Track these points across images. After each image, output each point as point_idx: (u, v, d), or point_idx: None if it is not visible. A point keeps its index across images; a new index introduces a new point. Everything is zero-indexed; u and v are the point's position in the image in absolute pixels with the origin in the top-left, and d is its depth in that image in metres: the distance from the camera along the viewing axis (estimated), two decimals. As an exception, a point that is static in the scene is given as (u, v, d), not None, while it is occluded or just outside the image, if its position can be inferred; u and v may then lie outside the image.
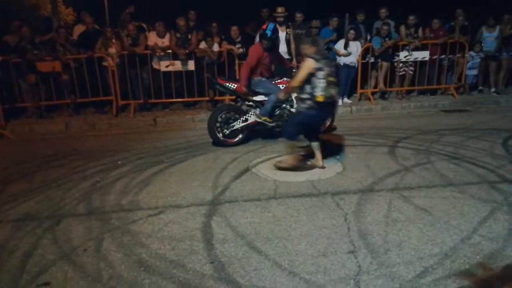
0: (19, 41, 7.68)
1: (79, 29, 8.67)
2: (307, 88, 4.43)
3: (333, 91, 4.42)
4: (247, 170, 4.79)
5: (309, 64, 4.35)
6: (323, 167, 4.74)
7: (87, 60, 7.88)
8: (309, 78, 4.38)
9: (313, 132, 4.85)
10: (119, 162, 5.27)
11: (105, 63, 7.95)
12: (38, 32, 8.71)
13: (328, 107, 4.57)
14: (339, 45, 8.32)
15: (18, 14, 14.29)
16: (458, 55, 8.80)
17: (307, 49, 4.48)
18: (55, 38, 8.09)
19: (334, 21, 8.61)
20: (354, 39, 8.30)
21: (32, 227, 3.51)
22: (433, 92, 9.19)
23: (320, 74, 4.32)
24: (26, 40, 7.69)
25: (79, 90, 8.03)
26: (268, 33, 5.84)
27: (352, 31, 8.26)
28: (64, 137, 7.03)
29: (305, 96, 4.48)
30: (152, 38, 8.10)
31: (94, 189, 4.35)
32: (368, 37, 8.88)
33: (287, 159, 4.71)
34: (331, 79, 4.39)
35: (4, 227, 3.54)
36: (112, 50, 7.97)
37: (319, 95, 4.34)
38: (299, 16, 8.42)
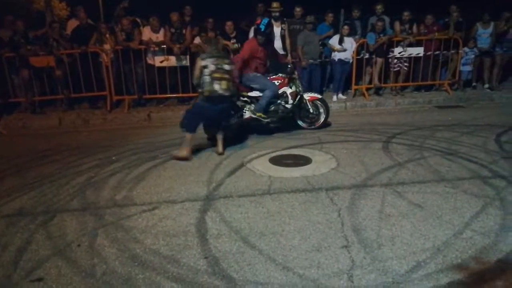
0: (13, 35, 7.60)
1: (72, 23, 8.59)
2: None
3: (217, 86, 4.91)
4: (241, 165, 4.79)
5: (197, 62, 5.02)
6: (221, 154, 5.20)
7: (81, 55, 7.82)
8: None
9: (213, 124, 5.30)
10: (113, 158, 5.26)
11: (100, 59, 7.89)
12: (32, 26, 8.63)
13: (215, 100, 5.00)
14: (334, 41, 8.30)
15: (11, 8, 14.13)
16: (452, 51, 8.83)
17: (205, 48, 5.25)
18: (48, 33, 8.02)
19: (330, 17, 8.60)
20: (349, 35, 8.29)
21: (25, 223, 3.50)
22: (428, 88, 9.22)
23: (206, 71, 4.89)
24: (19, 34, 7.61)
25: (73, 85, 7.97)
26: (262, 27, 5.84)
27: (346, 27, 8.25)
28: (57, 132, 6.99)
29: (199, 90, 5.08)
30: (147, 33, 8.05)
31: (88, 185, 4.34)
32: (361, 33, 8.87)
33: (182, 150, 5.02)
34: (216, 75, 4.91)
35: (-3, 223, 3.53)
36: (107, 45, 7.92)
37: (204, 89, 4.93)
38: (298, 10, 8.38)
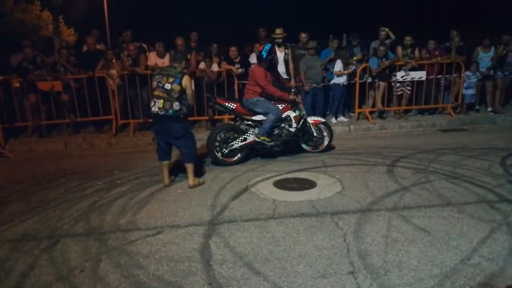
0: (21, 61, 7.77)
1: (85, 48, 8.82)
2: None
3: (152, 104, 4.81)
4: (246, 189, 4.78)
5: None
6: (166, 185, 5.02)
7: (87, 80, 7.96)
8: (183, 96, 4.81)
9: (165, 149, 5.05)
10: (118, 182, 5.27)
11: (106, 84, 8.02)
12: (40, 52, 8.82)
13: (154, 119, 4.95)
14: (338, 66, 8.42)
15: (21, 34, 14.47)
16: (455, 75, 8.91)
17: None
18: (56, 59, 8.19)
19: (334, 43, 8.73)
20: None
21: (29, 248, 3.49)
22: (431, 112, 9.26)
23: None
24: (27, 60, 7.77)
25: (79, 109, 8.08)
26: (264, 54, 5.96)
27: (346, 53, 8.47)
28: (63, 156, 7.04)
29: None
30: (152, 58, 8.20)
31: (92, 209, 4.34)
32: (359, 56, 9.01)
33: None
34: (155, 93, 4.82)
35: (1, 247, 3.52)
36: (113, 70, 8.06)
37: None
38: (304, 36, 8.53)
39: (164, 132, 4.90)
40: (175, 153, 5.34)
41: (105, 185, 5.16)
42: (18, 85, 7.75)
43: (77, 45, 14.31)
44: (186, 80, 4.78)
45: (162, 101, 4.73)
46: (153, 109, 4.81)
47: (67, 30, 22.10)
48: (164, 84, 4.75)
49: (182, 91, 4.76)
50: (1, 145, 7.41)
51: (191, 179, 4.94)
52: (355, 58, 8.70)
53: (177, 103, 4.74)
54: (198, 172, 5.57)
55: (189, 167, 4.94)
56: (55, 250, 3.43)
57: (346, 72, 8.41)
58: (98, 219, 4.05)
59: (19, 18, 20.21)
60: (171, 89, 4.73)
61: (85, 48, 8.79)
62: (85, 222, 4.00)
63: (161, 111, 4.74)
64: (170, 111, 4.73)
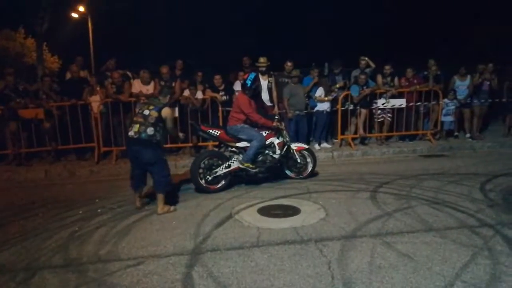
0: (3, 89, 7.69)
1: (69, 75, 8.79)
2: None
3: (130, 129, 4.97)
4: (230, 217, 4.74)
5: None
6: (137, 208, 5.13)
7: (70, 108, 7.90)
8: (160, 124, 4.94)
9: (138, 176, 5.14)
10: (99, 211, 5.16)
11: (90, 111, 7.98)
12: (23, 79, 8.77)
13: (128, 143, 5.13)
14: (319, 93, 8.60)
15: (2, 61, 14.39)
16: (433, 102, 9.18)
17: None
18: (39, 87, 8.14)
19: (315, 72, 8.92)
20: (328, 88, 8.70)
21: (5, 280, 3.36)
22: (412, 138, 9.45)
23: None
24: (9, 88, 7.70)
25: (61, 137, 7.98)
26: (248, 83, 6.06)
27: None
28: (43, 185, 6.88)
29: None
30: (137, 86, 8.22)
31: (71, 239, 4.22)
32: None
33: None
34: (134, 118, 5.03)
35: (-26, 281, 3.38)
36: (96, 97, 8.04)
37: None
38: (289, 64, 8.65)
39: (136, 157, 4.98)
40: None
41: (85, 214, 5.05)
42: None
43: (60, 73, 14.28)
44: (166, 112, 4.93)
45: (138, 125, 4.88)
46: (129, 133, 4.98)
47: (51, 57, 22.05)
48: (143, 111, 4.94)
49: (159, 119, 4.88)
50: (-22, 174, 7.21)
51: (159, 207, 4.98)
52: (337, 85, 8.90)
53: (151, 128, 4.84)
54: (181, 199, 5.53)
55: (159, 195, 4.99)
56: (32, 283, 3.31)
57: (327, 98, 8.58)
58: (78, 250, 3.94)
59: (2, 45, 20.13)
60: (149, 115, 4.88)
61: (68, 75, 8.76)
62: (64, 253, 3.88)
63: (135, 135, 4.86)
64: (143, 135, 4.83)
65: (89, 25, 22.86)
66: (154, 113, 4.87)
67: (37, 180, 7.20)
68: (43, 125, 7.85)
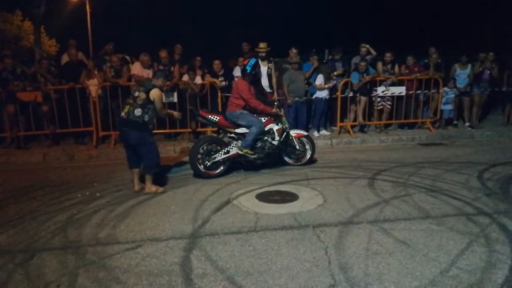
0: (1, 71, 7.63)
1: (65, 58, 8.70)
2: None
3: (122, 110, 5.15)
4: (228, 202, 4.76)
5: None
6: (135, 191, 5.20)
7: (68, 91, 7.85)
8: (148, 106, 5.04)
9: (132, 157, 5.25)
10: (97, 194, 5.17)
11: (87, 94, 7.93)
12: (20, 62, 8.69)
13: (118, 125, 5.34)
14: (319, 80, 8.56)
15: (2, 43, 14.25)
16: (433, 90, 9.15)
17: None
18: (37, 70, 8.08)
19: (314, 58, 8.86)
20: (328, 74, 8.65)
21: (4, 262, 3.37)
22: (411, 126, 9.46)
23: None
24: (7, 70, 7.64)
25: (59, 120, 7.95)
26: (248, 68, 6.02)
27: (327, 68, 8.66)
28: (41, 168, 6.88)
29: None
30: (138, 69, 8.13)
31: (70, 222, 4.24)
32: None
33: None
34: (127, 100, 5.18)
35: (-27, 262, 3.40)
36: (94, 81, 7.98)
37: None
38: (294, 52, 8.50)
39: (124, 138, 5.20)
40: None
41: (84, 197, 5.07)
42: None
43: (58, 56, 14.16)
44: (154, 93, 5.03)
45: (128, 106, 5.05)
46: (121, 114, 5.14)
47: (49, 40, 21.84)
48: (134, 93, 5.12)
49: (148, 100, 5.00)
50: (-24, 157, 7.20)
51: (147, 186, 5.16)
52: (335, 72, 8.85)
53: (139, 109, 4.97)
54: (180, 184, 5.54)
55: (147, 176, 5.15)
56: (30, 265, 3.33)
57: (326, 86, 8.55)
58: (76, 233, 3.96)
59: (-1, 28, 19.92)
60: (137, 96, 5.03)
61: (66, 58, 8.68)
62: (62, 236, 3.90)
63: (125, 116, 5.03)
64: (131, 115, 4.97)
65: (87, 8, 22.60)
66: (142, 95, 5.01)
67: (35, 164, 7.20)
68: (41, 108, 7.82)
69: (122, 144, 5.37)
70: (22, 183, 5.80)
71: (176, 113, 5.79)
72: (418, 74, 8.96)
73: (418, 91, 9.09)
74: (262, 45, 8.15)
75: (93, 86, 7.97)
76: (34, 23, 16.00)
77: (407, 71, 9.08)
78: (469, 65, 9.31)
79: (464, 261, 3.23)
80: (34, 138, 8.21)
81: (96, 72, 8.08)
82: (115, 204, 4.78)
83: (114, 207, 4.66)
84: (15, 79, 7.66)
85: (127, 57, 8.90)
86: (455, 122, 9.65)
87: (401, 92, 8.92)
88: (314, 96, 8.68)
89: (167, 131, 8.35)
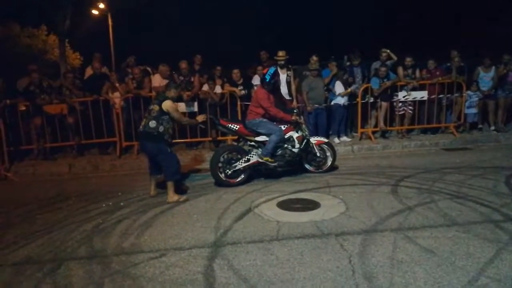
0: (28, 85, 7.89)
1: (89, 71, 8.96)
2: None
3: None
4: (249, 210, 4.77)
5: None
6: (151, 196, 5.49)
7: (92, 103, 8.06)
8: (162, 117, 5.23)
9: (153, 166, 5.52)
10: (122, 204, 5.27)
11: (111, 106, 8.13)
12: (46, 76, 8.98)
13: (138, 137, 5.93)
14: (338, 87, 8.51)
15: (26, 59, 14.73)
16: (456, 94, 8.97)
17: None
18: (62, 83, 8.33)
19: (333, 65, 8.83)
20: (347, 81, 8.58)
21: (32, 271, 3.47)
22: (434, 131, 9.27)
23: None
24: (34, 84, 7.90)
25: (84, 132, 8.16)
26: (267, 77, 6.04)
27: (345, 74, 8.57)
28: (67, 178, 7.07)
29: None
30: (158, 80, 8.30)
31: (96, 232, 4.33)
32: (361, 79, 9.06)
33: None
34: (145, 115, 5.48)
35: (4, 271, 3.50)
36: (117, 93, 8.17)
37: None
38: (315, 59, 8.48)
39: (142, 149, 5.59)
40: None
41: (108, 207, 5.17)
42: (24, 108, 7.86)
43: (82, 69, 14.57)
44: (166, 104, 5.22)
45: (144, 120, 5.35)
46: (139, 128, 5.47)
47: (73, 54, 22.47)
48: (150, 106, 5.39)
49: (161, 112, 5.20)
50: (6, 168, 7.44)
51: (168, 195, 5.25)
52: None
53: (153, 121, 5.19)
54: (202, 192, 5.59)
55: (168, 184, 5.25)
56: (58, 274, 3.41)
57: (348, 91, 8.47)
58: (102, 242, 4.04)
59: (25, 43, 20.61)
60: (152, 109, 5.29)
61: (89, 71, 8.93)
62: (88, 245, 3.98)
63: (141, 129, 5.33)
64: (146, 128, 5.22)
65: (109, 21, 23.18)
66: (156, 107, 5.24)
67: (61, 174, 7.39)
68: (66, 120, 8.04)
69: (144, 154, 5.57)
70: (49, 194, 5.96)
71: (200, 117, 5.89)
72: (440, 78, 8.81)
73: (441, 95, 8.92)
74: (281, 53, 8.18)
75: (116, 98, 8.16)
76: (59, 37, 16.53)
77: (428, 75, 8.93)
78: (493, 68, 9.09)
79: (493, 270, 3.14)
80: (60, 149, 8.43)
81: (117, 84, 8.27)
82: (139, 213, 4.86)
83: (138, 217, 4.73)
84: (42, 93, 7.90)
85: (149, 69, 9.08)
86: (480, 126, 9.42)
87: (423, 97, 8.78)
88: (332, 103, 8.62)
89: (188, 140, 8.45)
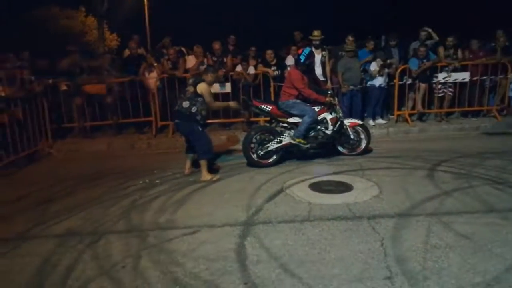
0: (69, 65, 8.18)
1: (126, 52, 9.18)
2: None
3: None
4: (281, 191, 4.80)
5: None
6: (186, 174, 5.65)
7: (129, 84, 8.26)
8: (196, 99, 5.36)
9: (189, 145, 5.70)
10: (157, 181, 5.43)
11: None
12: (86, 56, 9.26)
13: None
14: (373, 67, 8.28)
15: (66, 40, 15.19)
16: (501, 76, 8.52)
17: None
18: (101, 63, 8.57)
19: (370, 44, 8.59)
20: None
21: (74, 243, 3.67)
22: (475, 114, 8.89)
23: None
24: (75, 65, 8.17)
25: (121, 111, 8.40)
26: (302, 58, 5.97)
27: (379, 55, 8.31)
28: (106, 156, 7.34)
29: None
30: (192, 61, 8.38)
31: (133, 207, 4.50)
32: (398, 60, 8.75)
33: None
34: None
35: (48, 242, 3.72)
36: (153, 74, 8.33)
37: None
38: (351, 39, 8.34)
39: (176, 128, 5.92)
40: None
41: (145, 184, 5.34)
42: (65, 88, 8.17)
43: (119, 50, 14.87)
44: (201, 87, 5.37)
45: (180, 100, 5.51)
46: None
47: (110, 35, 22.96)
48: (186, 87, 5.59)
49: (195, 94, 5.37)
50: (49, 145, 7.81)
51: (202, 174, 5.38)
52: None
53: (187, 102, 5.37)
54: (234, 173, 5.66)
55: (202, 162, 5.39)
56: (98, 246, 3.59)
57: (378, 70, 8.20)
58: (139, 217, 4.20)
59: (65, 24, 21.23)
60: (187, 90, 5.51)
61: (127, 52, 9.12)
62: (126, 220, 4.16)
63: (176, 107, 5.52)
64: (180, 108, 5.42)
65: (145, 2, 23.42)
66: (191, 88, 5.43)
67: (100, 152, 7.67)
68: (105, 100, 8.30)
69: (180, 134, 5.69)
70: (89, 170, 6.22)
71: (232, 103, 6.05)
72: (484, 59, 8.38)
73: (484, 77, 8.50)
74: (316, 33, 8.02)
75: (152, 78, 8.31)
76: (98, 19, 16.91)
77: (471, 56, 8.51)
78: (542, 48, 8.54)
79: (533, 259, 3.03)
80: (99, 128, 8.74)
81: (155, 64, 8.42)
82: (174, 191, 5.00)
83: (173, 194, 4.87)
84: (82, 73, 8.17)
85: (183, 49, 9.17)
86: (525, 109, 8.93)
87: (464, 79, 8.39)
88: (368, 84, 8.41)
89: (221, 120, 8.53)
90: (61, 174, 6.13)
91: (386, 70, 8.29)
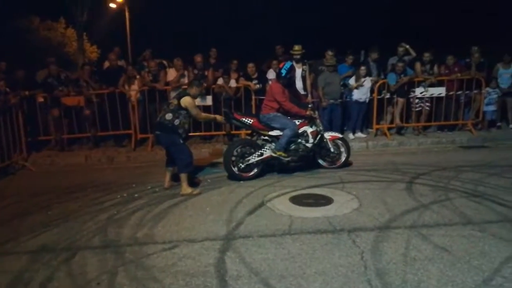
0: (46, 77, 8.03)
1: (106, 64, 9.10)
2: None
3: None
4: (262, 204, 4.77)
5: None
6: (165, 188, 5.56)
7: (108, 95, 8.15)
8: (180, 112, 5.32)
9: (169, 157, 5.64)
10: (136, 195, 5.33)
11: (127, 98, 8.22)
12: (64, 68, 9.13)
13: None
14: (353, 81, 8.44)
15: (45, 52, 14.98)
16: (475, 91, 8.78)
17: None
18: (80, 75, 8.45)
19: (349, 58, 8.75)
20: (365, 76, 8.43)
21: (48, 259, 3.55)
22: (451, 128, 9.11)
23: None
24: (53, 76, 8.03)
25: (100, 123, 8.26)
26: (283, 72, 6.02)
27: (363, 67, 8.42)
28: (83, 169, 7.17)
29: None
30: (173, 74, 8.35)
31: (110, 222, 4.39)
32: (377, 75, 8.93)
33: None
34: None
35: (20, 258, 3.59)
36: (134, 86, 8.25)
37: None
38: (330, 54, 8.44)
39: (157, 140, 5.79)
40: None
41: (123, 198, 5.24)
42: (42, 100, 8.00)
43: (99, 62, 14.73)
44: (184, 100, 5.34)
45: (162, 112, 5.47)
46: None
47: (90, 47, 22.74)
48: (169, 100, 5.66)
49: (179, 107, 5.32)
50: (24, 158, 7.60)
51: (182, 187, 5.30)
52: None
53: (170, 114, 5.32)
54: (215, 186, 5.61)
55: (182, 176, 5.31)
56: (73, 262, 3.48)
57: (357, 84, 8.35)
58: (116, 232, 4.10)
59: (44, 36, 20.95)
60: (170, 103, 5.49)
61: (107, 64, 9.03)
62: (102, 235, 4.05)
63: (159, 119, 5.46)
64: (162, 119, 5.36)
65: (126, 15, 23.36)
66: (174, 101, 5.41)
67: (78, 165, 7.50)
68: (83, 112, 8.15)
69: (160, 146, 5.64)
70: (65, 184, 6.07)
71: (219, 117, 6.10)
72: (459, 74, 8.64)
73: (459, 92, 8.75)
74: (297, 47, 8.12)
75: (133, 91, 8.23)
76: (77, 31, 16.75)
77: (447, 71, 8.77)
78: (513, 64, 8.87)
79: (508, 270, 3.08)
80: (77, 141, 8.56)
81: (138, 76, 8.36)
82: (152, 205, 4.91)
83: (152, 208, 4.78)
84: (60, 85, 8.03)
85: (164, 62, 9.14)
86: (498, 123, 9.22)
87: (440, 93, 8.62)
88: (348, 98, 8.53)
89: (202, 133, 8.48)
90: (36, 187, 5.96)
91: (363, 80, 8.38)
